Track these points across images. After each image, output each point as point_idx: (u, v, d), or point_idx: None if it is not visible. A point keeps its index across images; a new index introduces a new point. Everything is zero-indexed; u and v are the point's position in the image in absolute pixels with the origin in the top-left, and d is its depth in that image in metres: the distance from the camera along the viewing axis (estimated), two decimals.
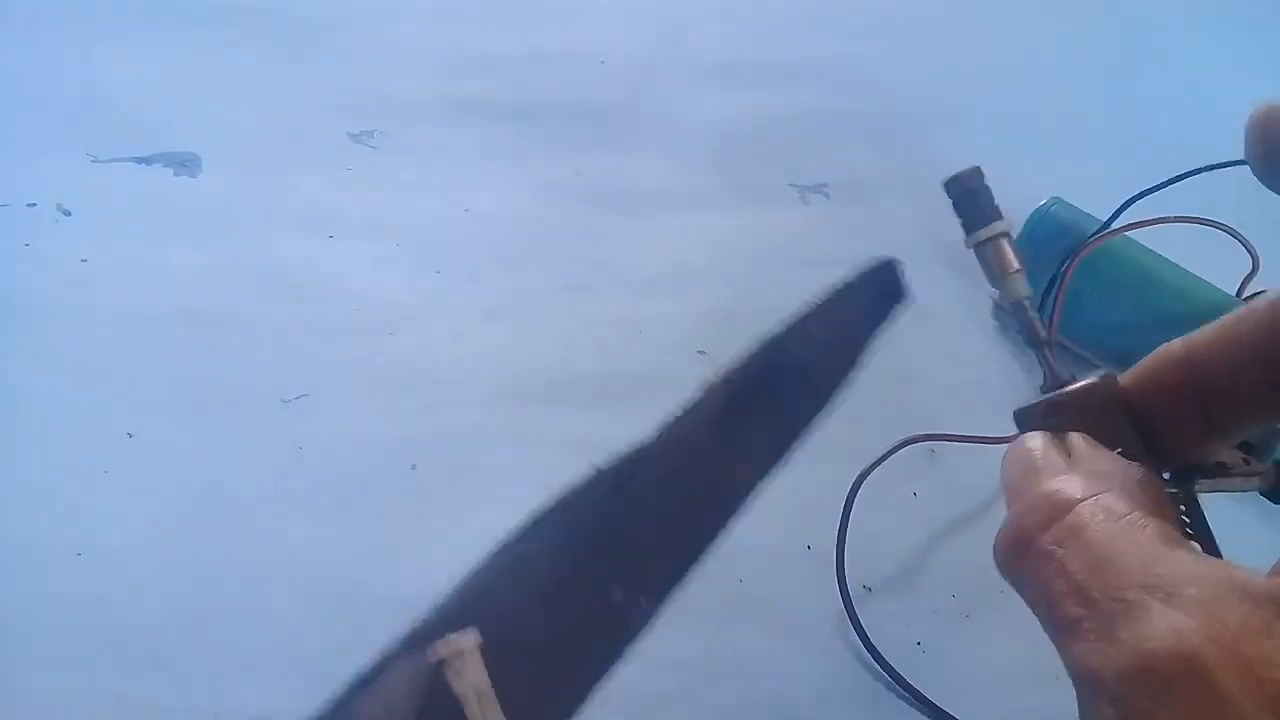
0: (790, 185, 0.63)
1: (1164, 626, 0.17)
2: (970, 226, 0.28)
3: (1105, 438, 0.24)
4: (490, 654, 0.20)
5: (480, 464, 0.46)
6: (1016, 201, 0.58)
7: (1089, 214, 0.56)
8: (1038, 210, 0.56)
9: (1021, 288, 0.28)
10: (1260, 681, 0.17)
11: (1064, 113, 0.71)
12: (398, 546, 0.43)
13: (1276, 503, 0.27)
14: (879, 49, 0.73)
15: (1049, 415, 0.26)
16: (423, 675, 0.19)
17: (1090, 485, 0.21)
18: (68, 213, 0.53)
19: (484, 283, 0.54)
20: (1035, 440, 0.24)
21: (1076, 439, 0.24)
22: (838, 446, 0.46)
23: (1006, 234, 0.28)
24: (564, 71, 0.67)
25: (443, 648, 0.20)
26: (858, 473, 0.46)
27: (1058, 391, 0.26)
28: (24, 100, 0.58)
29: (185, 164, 0.56)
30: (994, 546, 0.22)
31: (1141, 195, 0.54)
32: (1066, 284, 0.53)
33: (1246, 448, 0.26)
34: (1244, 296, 0.54)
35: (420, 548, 0.43)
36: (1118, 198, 0.55)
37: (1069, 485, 0.21)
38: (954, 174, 0.28)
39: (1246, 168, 0.23)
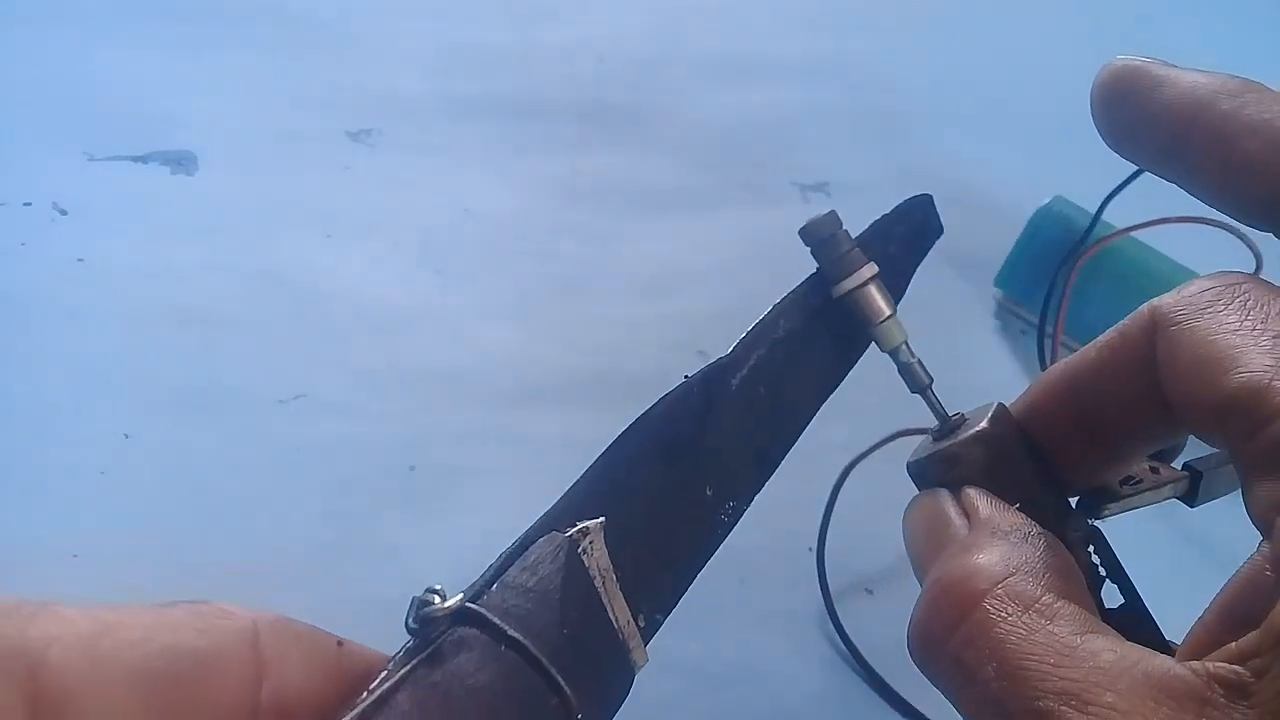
0: (791, 184, 0.63)
1: None
2: (834, 277, 0.26)
3: (1004, 483, 0.24)
4: (609, 537, 0.22)
5: (479, 465, 0.46)
6: (1017, 201, 0.58)
7: (1091, 213, 0.56)
8: (1040, 210, 0.56)
9: (896, 334, 0.27)
10: None
11: (1065, 112, 0.71)
12: (397, 547, 0.43)
13: (1194, 506, 0.26)
14: (880, 47, 0.73)
15: (944, 468, 0.25)
16: (560, 547, 0.22)
17: (993, 568, 0.20)
18: (64, 212, 0.52)
19: (483, 282, 0.54)
20: (933, 503, 0.24)
21: (975, 497, 0.23)
22: (838, 449, 0.46)
23: (874, 278, 0.27)
24: (563, 69, 0.67)
25: (574, 529, 0.22)
26: (861, 477, 0.46)
27: (951, 442, 0.25)
28: (20, 98, 0.58)
29: (182, 162, 0.56)
30: (907, 642, 0.21)
31: (1120, 188, 0.54)
32: (1071, 285, 0.53)
33: (1156, 454, 0.26)
34: None
35: (419, 548, 0.43)
36: (1120, 196, 0.54)
37: (972, 570, 0.20)
38: (808, 222, 0.26)
39: None
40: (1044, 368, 0.53)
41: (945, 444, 0.25)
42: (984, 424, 0.24)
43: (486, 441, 0.47)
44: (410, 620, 0.20)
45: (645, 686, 0.23)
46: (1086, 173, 0.62)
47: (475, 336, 0.51)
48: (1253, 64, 0.26)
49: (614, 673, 0.22)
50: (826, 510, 0.45)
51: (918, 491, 0.26)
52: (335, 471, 0.45)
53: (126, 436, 0.44)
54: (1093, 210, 0.56)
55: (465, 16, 0.69)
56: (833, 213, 0.27)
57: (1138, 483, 0.25)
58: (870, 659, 0.42)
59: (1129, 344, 0.22)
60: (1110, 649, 0.18)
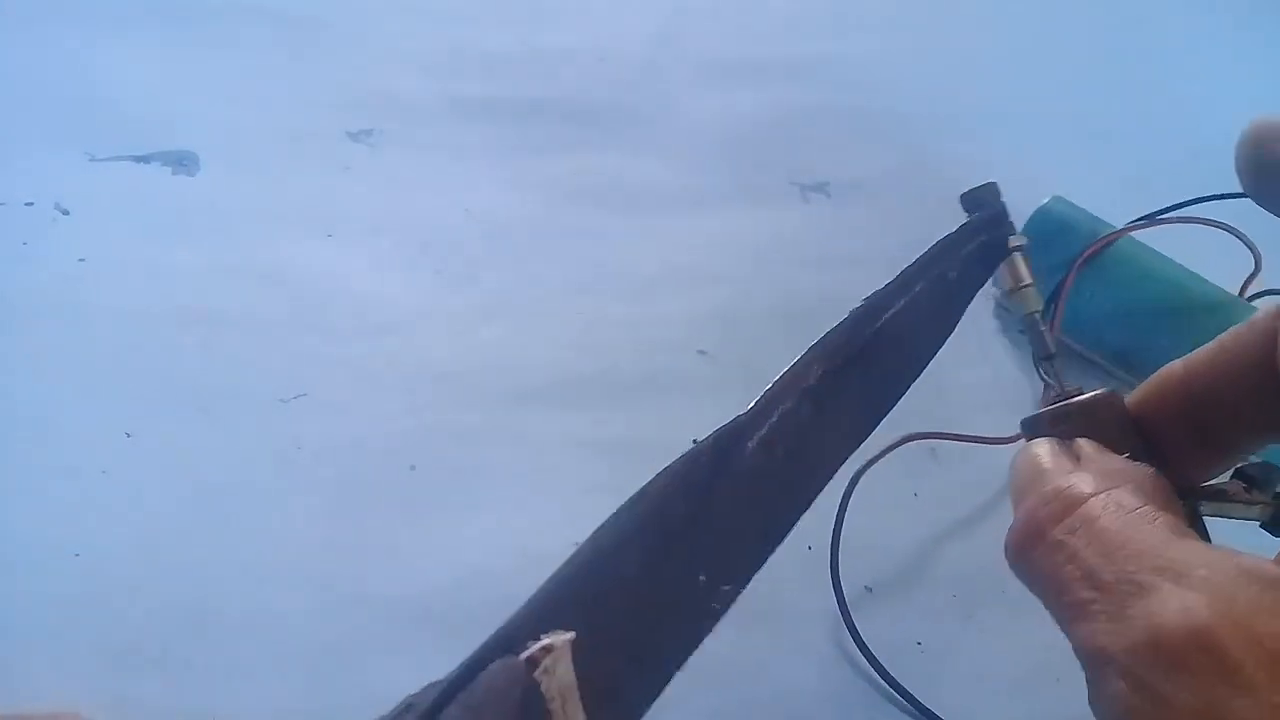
0: (791, 184, 0.63)
1: (1174, 604, 0.18)
2: None
3: (1112, 447, 0.25)
4: (578, 649, 0.19)
5: (479, 464, 0.46)
6: (1017, 200, 0.58)
7: (1090, 212, 0.56)
8: (1039, 209, 0.56)
9: (1032, 301, 0.29)
10: (1273, 655, 0.17)
11: (1065, 112, 0.71)
12: (397, 546, 0.43)
13: (1277, 535, 0.27)
14: (881, 48, 0.73)
15: (1057, 423, 0.26)
16: (515, 678, 0.18)
17: (1101, 482, 0.21)
18: (65, 211, 0.52)
19: (483, 282, 0.54)
20: (1044, 445, 0.25)
21: (1084, 444, 0.24)
22: None
23: (1020, 248, 0.29)
24: (563, 70, 0.67)
25: (535, 647, 0.19)
26: (868, 482, 0.46)
27: (1066, 401, 0.26)
28: (21, 99, 0.58)
29: (183, 162, 0.56)
30: (1005, 540, 0.22)
31: (1146, 218, 0.55)
32: (1070, 284, 0.53)
33: (1247, 479, 0.27)
34: (1246, 296, 0.54)
35: (419, 548, 0.43)
36: (1119, 196, 0.55)
37: (1080, 481, 0.22)
38: (970, 190, 0.29)
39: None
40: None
41: (1061, 403, 0.26)
42: (1101, 390, 0.26)
43: (486, 441, 0.47)
44: None
45: None
46: (1086, 173, 0.62)
47: (475, 336, 0.51)
48: (1252, 64, 0.26)
49: None
50: (839, 514, 0.45)
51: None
52: (335, 470, 0.45)
53: (128, 436, 0.44)
54: (1092, 209, 0.56)
55: (466, 17, 0.69)
56: (994, 183, 0.29)
57: (1230, 496, 0.26)
58: (880, 660, 0.42)
59: (1255, 332, 0.23)
60: (1206, 546, 0.19)
